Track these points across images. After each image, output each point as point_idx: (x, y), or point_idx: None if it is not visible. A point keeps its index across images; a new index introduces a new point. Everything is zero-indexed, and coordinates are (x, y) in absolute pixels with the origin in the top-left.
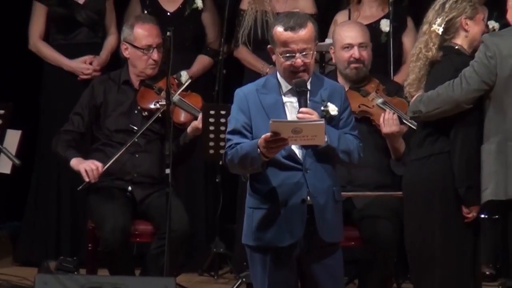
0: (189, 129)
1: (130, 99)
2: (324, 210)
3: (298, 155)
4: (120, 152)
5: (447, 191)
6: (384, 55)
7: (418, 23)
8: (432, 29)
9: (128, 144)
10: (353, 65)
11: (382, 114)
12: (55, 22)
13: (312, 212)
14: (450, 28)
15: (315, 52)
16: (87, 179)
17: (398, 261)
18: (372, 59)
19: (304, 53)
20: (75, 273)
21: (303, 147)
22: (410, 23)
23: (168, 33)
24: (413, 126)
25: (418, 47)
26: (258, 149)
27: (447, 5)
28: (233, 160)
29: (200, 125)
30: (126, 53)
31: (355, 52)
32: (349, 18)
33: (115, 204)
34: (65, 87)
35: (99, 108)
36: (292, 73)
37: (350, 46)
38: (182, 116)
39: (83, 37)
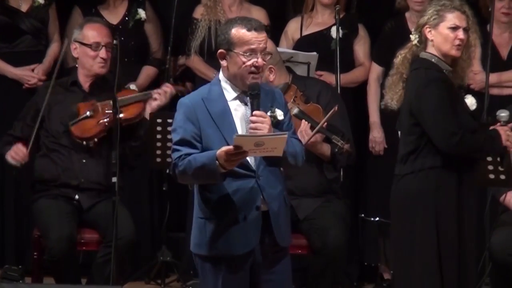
0: (148, 109)
1: (78, 100)
2: (278, 215)
3: (250, 162)
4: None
5: (428, 207)
6: (334, 61)
7: (370, 31)
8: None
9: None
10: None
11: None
12: None
13: (266, 219)
14: (421, 38)
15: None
16: (14, 163)
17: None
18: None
19: (264, 53)
20: (20, 281)
21: None
22: (361, 30)
23: (114, 42)
24: (327, 134)
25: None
26: (217, 161)
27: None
28: (185, 171)
29: (159, 98)
30: (75, 53)
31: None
32: (301, 25)
33: (61, 212)
34: (9, 95)
35: (40, 111)
36: (250, 73)
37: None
38: (133, 110)
39: (26, 45)
